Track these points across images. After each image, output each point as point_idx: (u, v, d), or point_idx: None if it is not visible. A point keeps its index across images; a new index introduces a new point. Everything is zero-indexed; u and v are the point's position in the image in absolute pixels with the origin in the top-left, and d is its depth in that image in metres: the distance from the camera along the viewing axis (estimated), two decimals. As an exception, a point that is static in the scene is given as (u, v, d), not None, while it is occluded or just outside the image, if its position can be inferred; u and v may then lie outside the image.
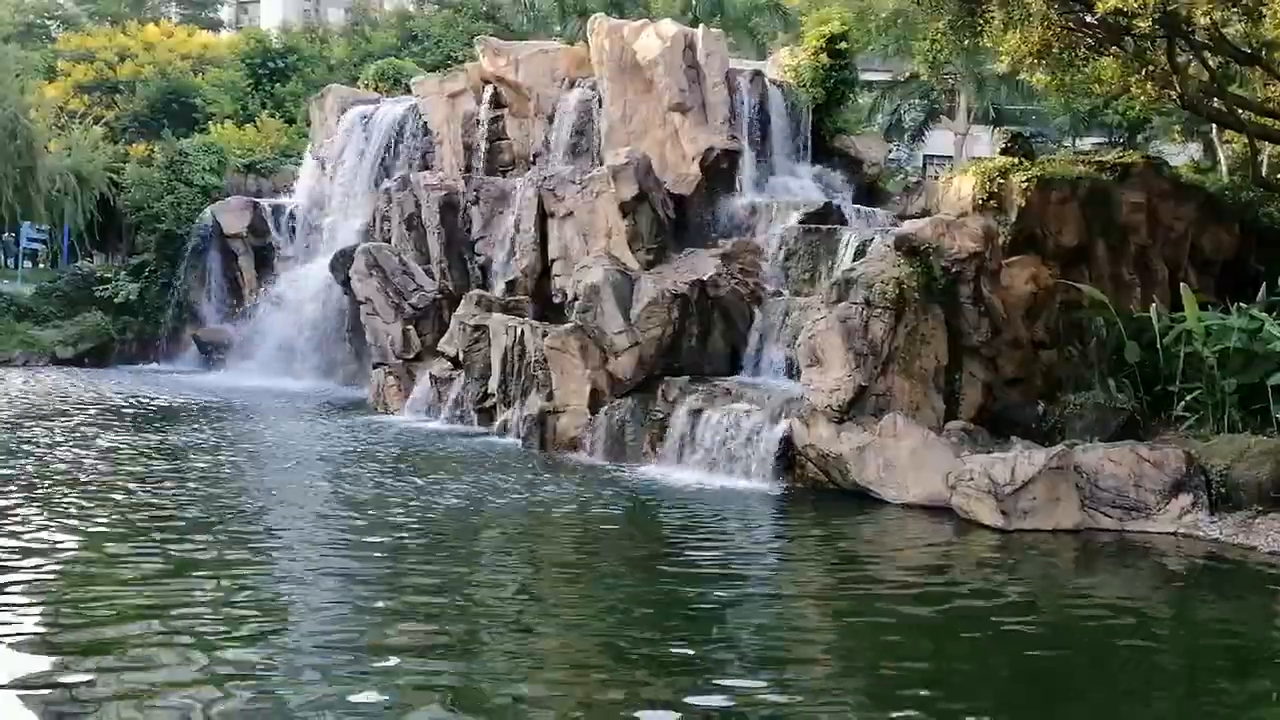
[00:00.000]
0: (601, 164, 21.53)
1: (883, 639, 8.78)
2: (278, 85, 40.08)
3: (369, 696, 6.89)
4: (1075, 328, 16.83)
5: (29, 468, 13.98)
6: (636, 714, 6.87)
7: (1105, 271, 17.36)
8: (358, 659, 7.60)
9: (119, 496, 12.59)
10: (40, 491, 12.54)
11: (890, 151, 33.00)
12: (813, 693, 7.52)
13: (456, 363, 21.37)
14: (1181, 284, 16.60)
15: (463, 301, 21.82)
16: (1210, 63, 18.42)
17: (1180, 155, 28.74)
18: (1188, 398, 15.45)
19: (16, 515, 11.23)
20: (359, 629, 8.31)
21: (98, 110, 38.52)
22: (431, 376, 21.87)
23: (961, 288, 15.83)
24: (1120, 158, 18.59)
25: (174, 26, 49.62)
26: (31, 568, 9.44)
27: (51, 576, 9.27)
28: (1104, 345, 16.57)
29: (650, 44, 22.35)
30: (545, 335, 18.66)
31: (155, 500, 12.49)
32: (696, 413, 16.50)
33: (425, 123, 26.99)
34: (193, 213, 31.10)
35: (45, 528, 10.81)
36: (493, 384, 20.03)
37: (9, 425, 17.56)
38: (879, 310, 15.33)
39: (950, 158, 37.72)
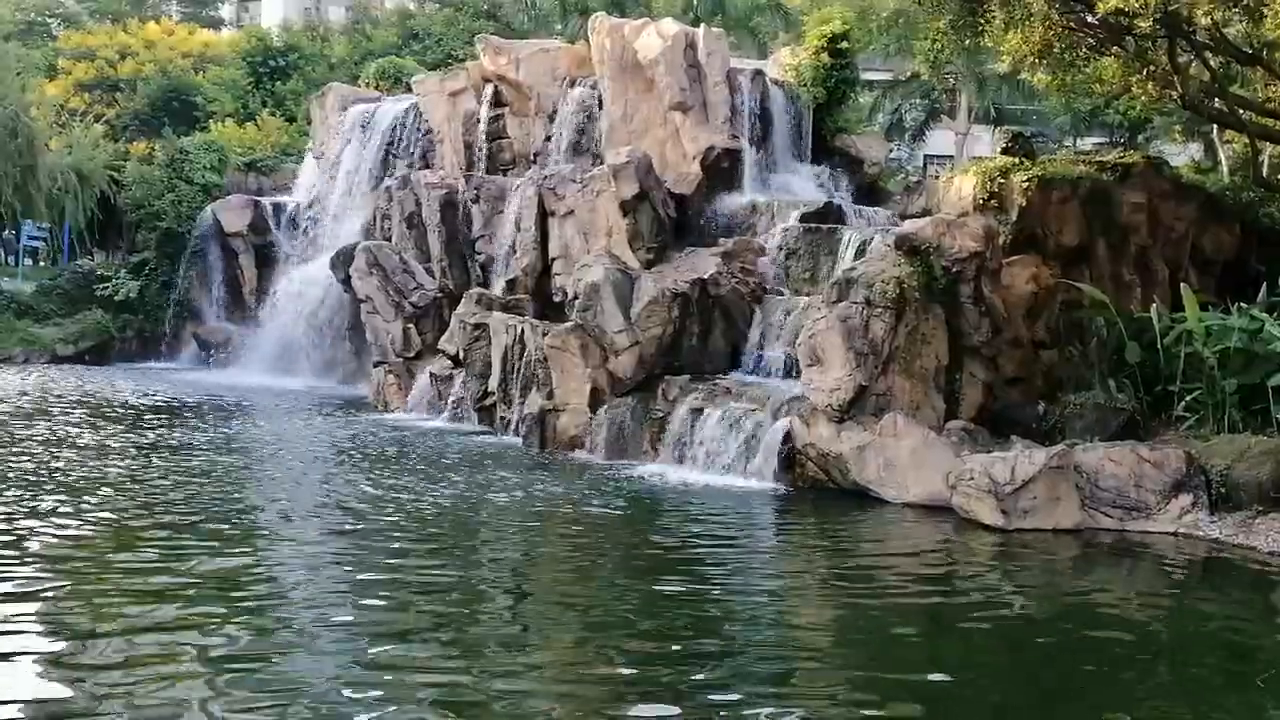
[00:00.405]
0: (602, 163, 21.53)
1: (882, 638, 8.78)
2: (278, 83, 40.06)
3: (368, 694, 6.89)
4: (1076, 327, 16.82)
5: (26, 465, 13.98)
6: (636, 712, 6.87)
7: (1106, 271, 17.37)
8: (356, 658, 7.60)
9: (118, 494, 12.59)
10: (38, 488, 12.54)
11: (891, 151, 33.00)
12: (812, 692, 7.52)
13: (457, 361, 21.36)
14: (1182, 284, 16.60)
15: (463, 300, 21.81)
16: (1211, 63, 18.42)
17: (1181, 155, 28.71)
18: (1188, 398, 15.45)
19: (14, 513, 11.23)
20: (358, 627, 8.31)
21: (98, 108, 38.50)
22: (432, 375, 21.88)
23: (962, 287, 15.83)
24: (1121, 158, 18.59)
25: (175, 24, 49.55)
26: (27, 565, 9.44)
27: (45, 575, 9.25)
28: (1104, 345, 16.57)
29: (651, 43, 22.36)
30: (545, 334, 18.65)
31: (153, 499, 12.49)
32: (697, 412, 16.50)
33: (426, 121, 26.99)
34: (193, 211, 31.13)
35: (44, 524, 10.82)
36: (493, 383, 20.03)
37: (2, 422, 17.57)
38: (879, 310, 15.33)
39: (951, 157, 37.70)
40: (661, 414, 17.05)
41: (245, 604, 8.71)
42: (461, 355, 21.08)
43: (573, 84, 24.38)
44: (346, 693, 6.93)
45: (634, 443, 17.16)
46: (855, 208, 21.32)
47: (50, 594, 8.76)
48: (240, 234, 30.29)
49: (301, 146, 32.88)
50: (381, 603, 9.01)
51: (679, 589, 9.82)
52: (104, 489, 12.79)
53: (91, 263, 35.15)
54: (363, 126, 28.38)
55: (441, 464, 15.98)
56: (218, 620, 8.20)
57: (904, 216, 19.93)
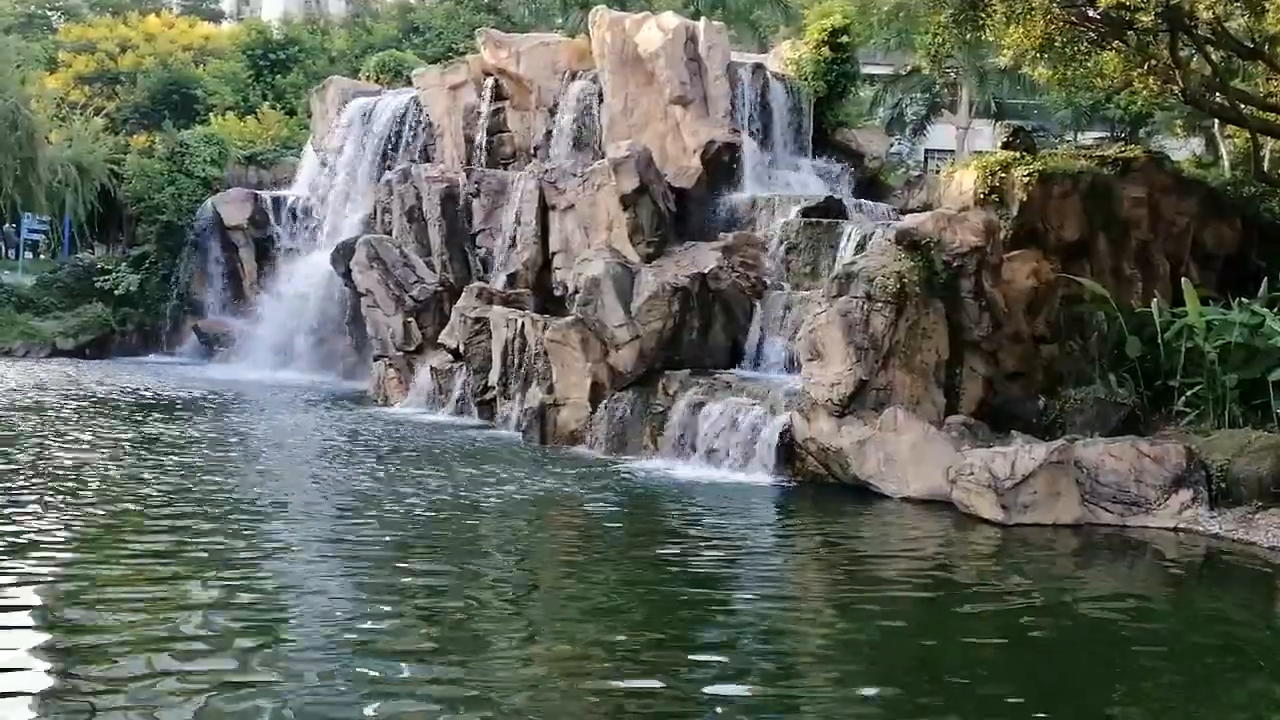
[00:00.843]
0: (603, 157, 21.52)
1: (881, 633, 8.77)
2: (279, 77, 40.04)
3: (368, 693, 6.88)
4: (1076, 322, 16.80)
5: (23, 458, 13.98)
6: (636, 708, 6.87)
7: (1106, 266, 17.33)
8: (356, 654, 7.59)
9: (116, 490, 12.58)
10: (36, 483, 12.53)
11: (892, 145, 33.03)
12: (812, 687, 7.52)
13: (457, 355, 21.36)
14: (1183, 279, 16.58)
15: (463, 294, 21.80)
16: (1213, 57, 18.37)
17: (1182, 150, 28.70)
18: (1188, 393, 15.44)
19: (12, 510, 11.23)
20: (357, 624, 8.30)
21: (99, 101, 38.49)
22: (432, 369, 21.88)
23: (962, 282, 15.81)
24: (1122, 152, 18.54)
25: (175, 17, 49.57)
26: (25, 560, 9.43)
27: (45, 570, 9.24)
28: (1105, 340, 16.55)
29: (652, 37, 22.33)
30: (546, 328, 18.65)
31: (152, 492, 12.49)
32: (697, 406, 16.50)
33: (426, 115, 26.98)
34: (194, 204, 31.14)
35: (40, 521, 10.81)
36: (493, 377, 20.03)
37: (3, 416, 17.57)
38: (880, 304, 15.31)
39: (952, 152, 37.64)
40: (662, 408, 17.04)
41: (242, 600, 8.69)
42: (462, 349, 21.08)
43: (573, 77, 24.37)
44: (343, 686, 6.93)
45: (634, 437, 17.16)
46: (856, 202, 21.30)
47: (46, 587, 8.76)
48: (241, 227, 30.31)
49: (302, 140, 32.86)
50: (380, 597, 8.99)
51: (678, 583, 9.82)
52: (101, 483, 12.78)
53: (92, 256, 35.18)
54: (363, 120, 28.37)
55: (441, 458, 15.98)
56: (215, 617, 8.18)
57: (904, 211, 19.94)
